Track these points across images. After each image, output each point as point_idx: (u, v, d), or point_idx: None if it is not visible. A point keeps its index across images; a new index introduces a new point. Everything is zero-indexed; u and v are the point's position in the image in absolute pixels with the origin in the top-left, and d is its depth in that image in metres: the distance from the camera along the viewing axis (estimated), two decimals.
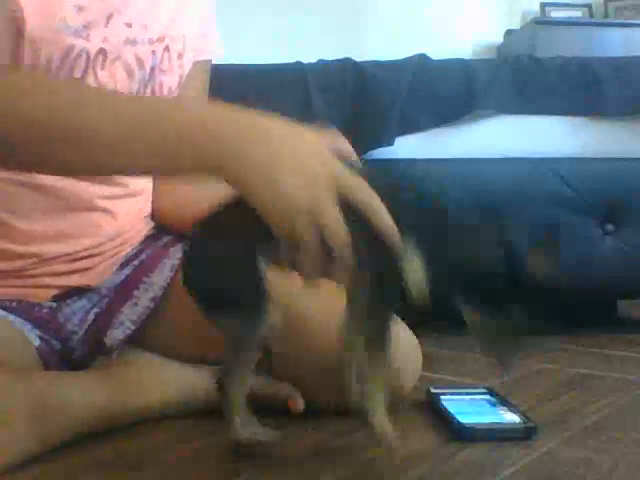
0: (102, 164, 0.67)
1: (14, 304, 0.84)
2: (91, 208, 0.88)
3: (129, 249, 0.94)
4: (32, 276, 0.86)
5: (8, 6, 0.73)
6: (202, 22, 0.97)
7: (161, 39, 0.88)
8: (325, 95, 1.51)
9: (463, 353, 1.34)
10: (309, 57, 1.61)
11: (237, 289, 0.65)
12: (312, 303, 0.83)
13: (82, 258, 0.88)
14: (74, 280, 0.88)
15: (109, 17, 0.82)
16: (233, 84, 1.50)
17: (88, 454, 0.69)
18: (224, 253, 0.65)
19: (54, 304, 0.87)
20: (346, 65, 1.55)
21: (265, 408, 0.85)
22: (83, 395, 0.75)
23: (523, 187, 1.52)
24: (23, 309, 0.84)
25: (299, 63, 1.56)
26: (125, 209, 0.92)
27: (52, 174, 0.78)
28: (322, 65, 1.57)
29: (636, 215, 1.54)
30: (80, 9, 0.78)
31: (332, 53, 1.64)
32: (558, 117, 1.54)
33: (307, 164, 0.60)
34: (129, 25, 0.84)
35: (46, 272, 0.86)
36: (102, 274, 0.90)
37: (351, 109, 1.51)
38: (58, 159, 0.66)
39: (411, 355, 0.86)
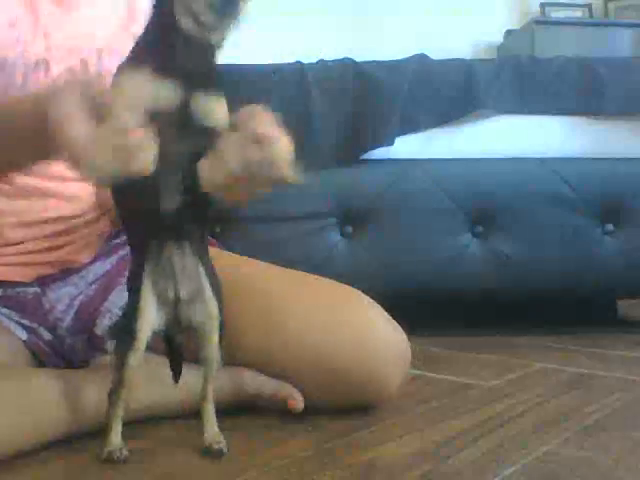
0: None
1: None
2: (45, 193, 0.88)
3: (109, 222, 0.94)
4: (6, 255, 0.86)
5: None
6: None
7: (108, 46, 0.90)
8: (325, 95, 1.51)
9: (463, 353, 1.34)
10: (309, 57, 1.61)
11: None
12: (309, 305, 0.84)
13: (55, 235, 0.89)
14: (55, 256, 0.89)
15: (46, 34, 0.85)
16: (233, 84, 1.51)
17: (88, 454, 0.69)
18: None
19: (38, 289, 0.88)
20: (346, 65, 1.54)
21: (265, 408, 0.86)
22: (81, 394, 0.75)
23: (523, 187, 1.52)
24: (7, 297, 0.85)
25: (299, 63, 1.56)
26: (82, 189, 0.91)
27: None
28: (322, 65, 1.57)
29: (636, 215, 1.54)
30: (11, 25, 0.82)
31: (332, 53, 1.64)
32: (558, 117, 1.54)
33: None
34: (74, 37, 0.87)
35: (20, 251, 0.87)
36: (86, 248, 0.91)
37: (351, 109, 1.51)
38: None
39: (397, 352, 0.86)
